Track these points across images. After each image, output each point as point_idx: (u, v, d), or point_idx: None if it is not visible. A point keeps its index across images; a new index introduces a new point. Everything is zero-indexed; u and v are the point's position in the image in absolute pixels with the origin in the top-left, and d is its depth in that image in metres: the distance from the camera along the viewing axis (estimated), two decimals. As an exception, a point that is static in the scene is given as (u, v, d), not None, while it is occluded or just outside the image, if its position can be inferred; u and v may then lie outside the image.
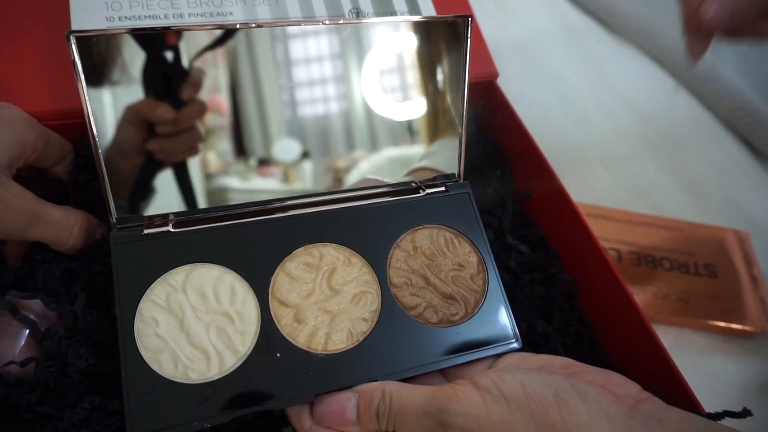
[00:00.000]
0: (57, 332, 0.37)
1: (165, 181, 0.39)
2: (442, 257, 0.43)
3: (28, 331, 0.36)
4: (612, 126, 0.76)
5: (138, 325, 0.35)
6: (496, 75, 0.56)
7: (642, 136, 0.76)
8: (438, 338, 0.39)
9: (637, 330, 0.43)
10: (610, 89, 0.80)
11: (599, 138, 0.73)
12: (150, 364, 0.34)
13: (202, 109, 0.39)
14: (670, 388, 0.40)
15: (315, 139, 0.43)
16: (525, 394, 0.30)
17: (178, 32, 0.38)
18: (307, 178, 0.44)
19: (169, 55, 0.38)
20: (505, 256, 0.50)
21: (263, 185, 0.42)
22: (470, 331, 0.40)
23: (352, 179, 0.45)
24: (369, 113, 0.44)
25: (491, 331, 0.41)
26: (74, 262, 0.39)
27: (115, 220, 0.38)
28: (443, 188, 0.46)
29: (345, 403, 0.34)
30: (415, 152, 0.46)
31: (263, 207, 0.41)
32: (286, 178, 0.43)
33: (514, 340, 0.41)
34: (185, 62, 0.38)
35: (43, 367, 0.35)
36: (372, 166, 0.45)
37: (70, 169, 0.43)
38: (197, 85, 0.39)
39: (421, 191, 0.45)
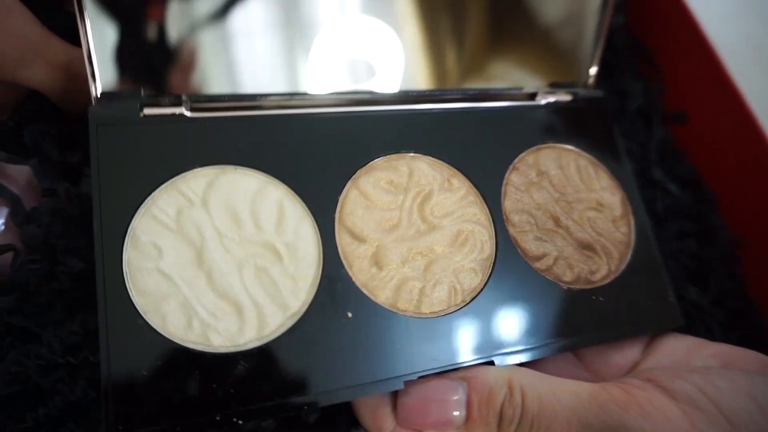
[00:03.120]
0: (46, 214, 0.26)
1: (185, 49, 0.25)
2: (574, 191, 0.30)
3: (8, 209, 0.26)
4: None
5: (129, 253, 0.22)
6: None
7: None
8: (573, 304, 0.27)
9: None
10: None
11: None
12: (146, 318, 0.21)
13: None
14: None
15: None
16: (763, 416, 0.21)
17: None
18: (395, 69, 0.30)
19: None
20: (648, 195, 0.36)
21: (333, 75, 0.28)
22: (614, 298, 0.27)
23: (454, 76, 0.30)
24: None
25: (641, 299, 0.28)
26: (80, 125, 0.27)
27: (99, 92, 0.24)
28: (570, 96, 0.32)
29: (448, 395, 0.22)
30: (528, 45, 0.31)
31: (330, 98, 0.28)
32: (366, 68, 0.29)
33: (676, 316, 0.28)
34: None
35: (24, 261, 0.25)
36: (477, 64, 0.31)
37: None
38: None
39: (538, 98, 0.31)
